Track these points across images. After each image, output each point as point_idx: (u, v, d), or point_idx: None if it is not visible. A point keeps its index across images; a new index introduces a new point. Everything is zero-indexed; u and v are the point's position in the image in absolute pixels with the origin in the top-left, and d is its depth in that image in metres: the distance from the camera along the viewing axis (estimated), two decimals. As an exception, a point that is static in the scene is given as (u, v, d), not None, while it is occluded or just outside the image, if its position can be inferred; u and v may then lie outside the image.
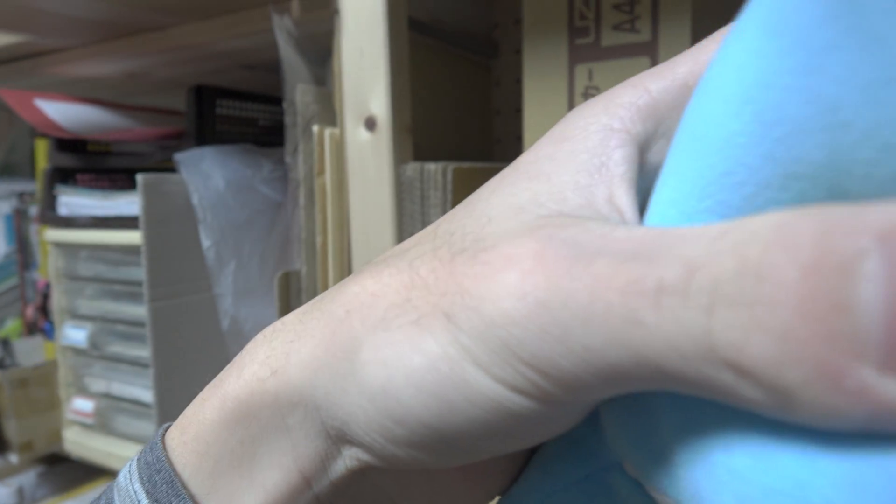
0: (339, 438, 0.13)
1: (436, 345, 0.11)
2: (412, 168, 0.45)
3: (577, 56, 0.40)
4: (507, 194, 0.12)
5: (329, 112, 0.49)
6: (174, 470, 0.14)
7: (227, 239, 0.49)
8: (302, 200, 0.48)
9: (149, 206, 0.51)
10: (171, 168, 0.55)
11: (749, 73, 0.10)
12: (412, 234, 0.46)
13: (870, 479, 0.08)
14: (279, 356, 0.13)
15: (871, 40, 0.08)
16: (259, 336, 0.14)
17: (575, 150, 0.13)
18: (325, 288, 0.49)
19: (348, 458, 0.13)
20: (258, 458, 0.13)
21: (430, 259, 0.12)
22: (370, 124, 0.45)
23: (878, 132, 0.08)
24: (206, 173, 0.50)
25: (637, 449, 0.11)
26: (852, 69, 0.09)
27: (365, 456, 0.13)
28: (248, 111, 0.62)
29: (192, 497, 0.13)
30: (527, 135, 0.43)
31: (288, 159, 0.45)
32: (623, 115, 0.13)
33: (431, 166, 0.44)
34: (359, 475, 0.14)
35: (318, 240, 0.49)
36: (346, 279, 0.14)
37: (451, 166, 0.43)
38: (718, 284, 0.08)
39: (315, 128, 0.47)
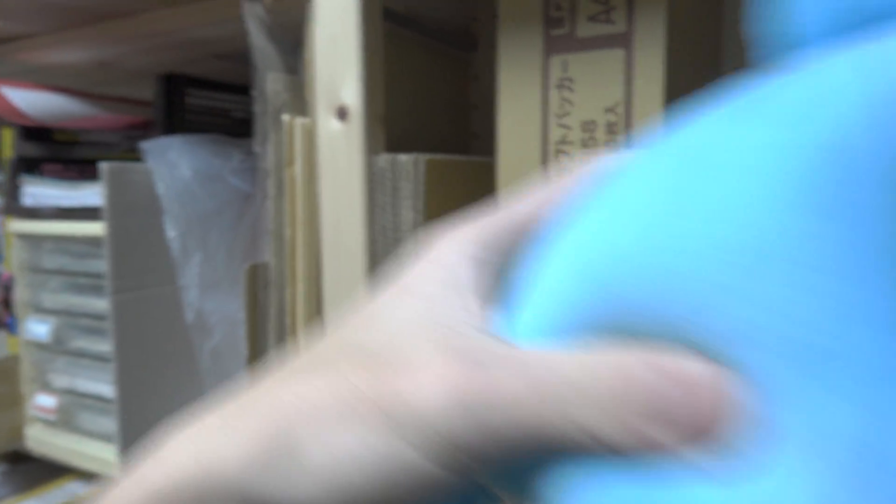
0: None
1: (379, 438, 0.14)
2: (384, 159, 0.44)
3: (552, 47, 0.40)
4: (399, 310, 0.16)
5: (300, 102, 0.48)
6: None
7: (193, 230, 0.48)
8: (271, 191, 0.47)
9: (113, 195, 0.49)
10: (139, 158, 0.53)
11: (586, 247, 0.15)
12: (383, 226, 0.46)
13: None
14: (207, 452, 0.15)
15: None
16: (175, 433, 0.16)
17: (438, 276, 0.16)
18: (294, 281, 0.48)
19: None
20: None
21: (359, 370, 0.15)
22: (342, 114, 0.44)
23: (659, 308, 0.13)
24: (173, 163, 0.49)
25: (509, 481, 0.15)
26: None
27: None
28: (219, 101, 0.60)
29: None
30: (500, 126, 0.42)
31: (257, 149, 0.44)
32: (474, 246, 0.17)
33: (403, 157, 0.43)
34: None
35: (287, 232, 0.48)
36: (263, 386, 0.16)
37: (424, 158, 0.43)
38: (584, 396, 0.13)
39: (285, 117, 0.46)
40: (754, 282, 0.11)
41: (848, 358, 0.11)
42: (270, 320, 0.49)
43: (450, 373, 0.14)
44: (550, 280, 0.15)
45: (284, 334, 0.49)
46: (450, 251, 0.16)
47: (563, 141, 0.40)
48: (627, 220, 0.14)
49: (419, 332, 0.15)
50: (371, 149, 0.44)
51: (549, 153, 0.40)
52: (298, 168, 0.46)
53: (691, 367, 0.12)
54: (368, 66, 0.44)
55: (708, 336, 0.12)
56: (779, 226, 0.11)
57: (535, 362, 0.13)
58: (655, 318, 0.13)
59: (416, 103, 0.55)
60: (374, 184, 0.45)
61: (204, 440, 0.15)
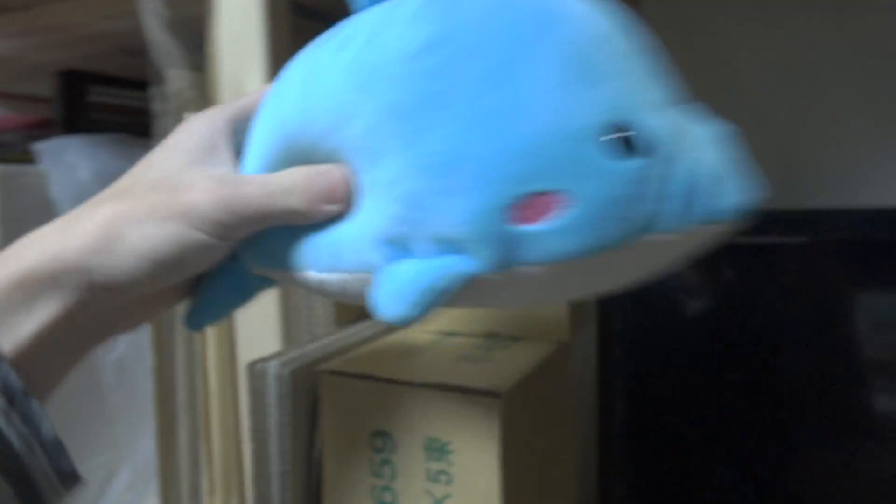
0: (100, 287, 0.22)
1: (174, 227, 0.23)
2: (292, 159, 0.43)
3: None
4: (170, 159, 0.25)
5: (205, 100, 0.46)
6: None
7: (93, 235, 0.45)
8: (175, 194, 0.45)
9: (4, 200, 0.46)
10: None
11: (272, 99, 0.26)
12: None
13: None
14: (54, 245, 0.22)
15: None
16: (26, 240, 0.23)
17: (200, 139, 0.26)
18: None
19: (100, 300, 0.23)
20: (35, 306, 0.22)
21: (158, 192, 0.23)
22: (247, 113, 0.43)
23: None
24: (70, 164, 0.46)
25: (258, 258, 0.27)
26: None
27: (113, 295, 0.23)
28: (126, 99, 0.58)
29: None
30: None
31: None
32: (221, 121, 0.27)
33: (312, 157, 0.42)
34: (103, 310, 0.23)
35: (195, 236, 0.46)
36: (82, 211, 0.23)
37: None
38: (287, 192, 0.24)
39: (187, 116, 0.44)
40: (348, 118, 0.22)
41: (386, 142, 0.21)
42: (177, 327, 0.47)
43: (214, 187, 0.23)
44: (256, 139, 0.27)
45: (193, 343, 0.47)
46: (203, 123, 0.26)
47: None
48: (287, 95, 0.25)
49: (188, 167, 0.25)
50: (279, 148, 0.43)
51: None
52: (204, 169, 0.45)
53: (330, 168, 0.23)
54: (275, 62, 0.43)
55: (330, 144, 0.23)
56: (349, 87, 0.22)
57: (261, 178, 0.24)
58: (308, 141, 0.24)
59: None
60: (284, 184, 0.43)
61: (49, 240, 0.22)
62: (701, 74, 0.53)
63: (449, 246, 0.20)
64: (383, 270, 0.21)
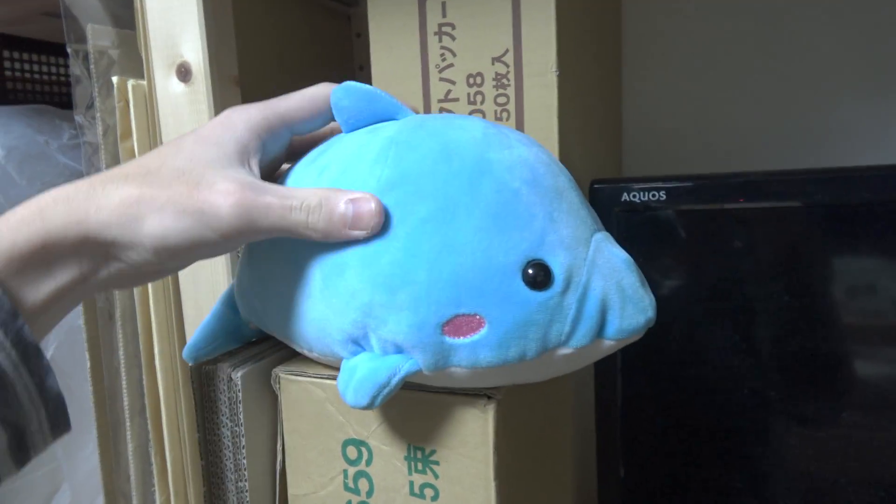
0: (113, 259, 0.24)
1: (190, 222, 0.23)
2: (239, 127, 0.37)
3: (428, -12, 0.34)
4: (199, 148, 0.25)
5: (135, 60, 0.39)
6: None
7: (10, 221, 0.39)
8: (104, 169, 0.39)
9: None
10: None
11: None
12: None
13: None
14: (80, 213, 0.23)
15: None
16: (50, 199, 0.23)
17: (234, 136, 0.26)
18: (143, 276, 0.41)
19: (111, 268, 0.24)
20: (57, 268, 0.23)
21: (181, 183, 0.24)
22: (183, 73, 0.37)
23: None
24: (-21, 140, 0.40)
25: (251, 315, 0.30)
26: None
27: (123, 267, 0.24)
28: (48, 66, 0.51)
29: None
30: (375, 84, 0.36)
31: (78, 118, 0.36)
32: (258, 122, 0.27)
33: (262, 124, 0.36)
34: (110, 274, 0.24)
35: (130, 218, 0.40)
36: (108, 180, 0.24)
37: (285, 123, 0.36)
38: (308, 209, 0.24)
39: (115, 79, 0.38)
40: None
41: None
42: (117, 322, 0.41)
43: (235, 190, 0.24)
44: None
45: (136, 340, 0.41)
46: (239, 119, 0.27)
47: (447, 98, 0.34)
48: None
49: (215, 164, 0.25)
50: (223, 115, 0.37)
51: (431, 112, 0.35)
52: (136, 140, 0.39)
53: (364, 196, 0.24)
54: (213, 15, 0.37)
55: (307, 253, 0.26)
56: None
57: (284, 191, 0.25)
58: (291, 249, 0.27)
59: (286, 62, 0.48)
60: (231, 156, 0.38)
61: (74, 206, 0.23)
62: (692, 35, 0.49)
63: (396, 348, 0.24)
64: (346, 364, 0.25)
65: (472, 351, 0.23)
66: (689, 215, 0.36)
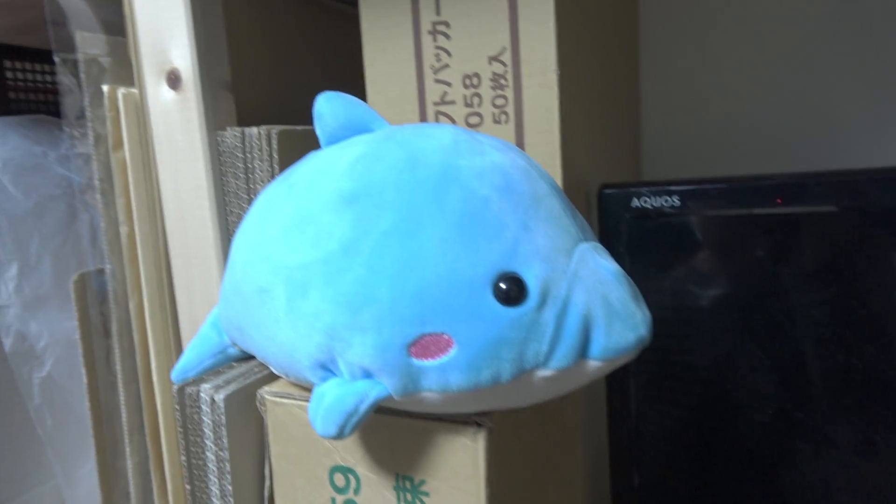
0: None
1: None
2: (231, 135, 0.36)
3: (422, -16, 0.32)
4: None
5: (127, 69, 0.38)
6: None
7: (4, 235, 0.38)
8: (97, 181, 0.38)
9: None
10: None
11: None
12: (239, 215, 0.37)
13: None
14: None
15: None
16: None
17: None
18: (138, 288, 0.39)
19: None
20: None
21: None
22: (173, 80, 0.36)
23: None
24: (-26, 151, 0.39)
25: (232, 336, 0.28)
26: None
27: None
28: (51, 75, 0.50)
29: None
30: (369, 87, 0.34)
31: (67, 129, 0.35)
32: None
33: (254, 131, 0.35)
34: None
35: (123, 229, 0.39)
36: None
37: (276, 130, 0.34)
38: None
39: (105, 87, 0.37)
40: (286, 254, 0.24)
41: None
42: (113, 336, 0.40)
43: None
44: (231, 256, 0.28)
45: (134, 356, 0.40)
46: None
47: (443, 101, 0.32)
48: (249, 223, 0.27)
49: None
50: (214, 122, 0.36)
51: (427, 116, 0.33)
52: (128, 150, 0.37)
53: None
54: (202, 19, 0.36)
55: (271, 271, 0.25)
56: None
57: None
58: (258, 265, 0.25)
59: (288, 66, 0.46)
60: (224, 165, 0.37)
61: None
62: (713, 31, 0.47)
63: (364, 372, 0.22)
64: (316, 390, 0.23)
65: (442, 373, 0.21)
66: (706, 222, 0.33)
